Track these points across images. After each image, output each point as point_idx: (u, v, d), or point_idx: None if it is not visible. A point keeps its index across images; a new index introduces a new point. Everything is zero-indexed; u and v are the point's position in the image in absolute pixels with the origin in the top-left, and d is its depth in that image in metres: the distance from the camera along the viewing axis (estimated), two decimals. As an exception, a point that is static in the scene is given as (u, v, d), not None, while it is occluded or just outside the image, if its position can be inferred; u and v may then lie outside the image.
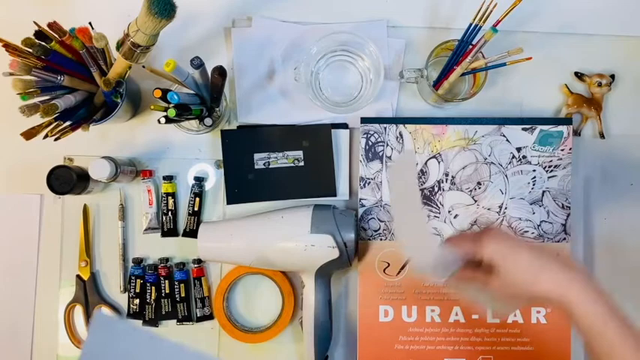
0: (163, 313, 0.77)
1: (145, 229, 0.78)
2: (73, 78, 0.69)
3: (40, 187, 0.73)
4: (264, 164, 0.77)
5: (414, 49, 0.79)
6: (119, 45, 0.66)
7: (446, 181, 0.75)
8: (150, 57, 0.68)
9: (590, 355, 0.53)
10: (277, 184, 0.77)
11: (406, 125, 0.76)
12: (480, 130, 0.75)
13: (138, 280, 0.76)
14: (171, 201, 0.77)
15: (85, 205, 0.78)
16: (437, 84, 0.74)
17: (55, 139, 0.66)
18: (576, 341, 0.74)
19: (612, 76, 0.78)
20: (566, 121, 0.76)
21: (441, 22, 0.79)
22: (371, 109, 0.76)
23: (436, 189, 0.75)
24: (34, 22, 0.65)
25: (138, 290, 0.76)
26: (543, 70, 0.78)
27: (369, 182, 0.76)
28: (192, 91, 0.69)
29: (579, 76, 0.78)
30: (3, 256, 0.78)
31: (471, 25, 0.70)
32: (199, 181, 0.78)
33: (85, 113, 0.71)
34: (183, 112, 0.65)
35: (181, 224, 0.78)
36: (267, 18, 0.79)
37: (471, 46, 0.70)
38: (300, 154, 0.77)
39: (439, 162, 0.76)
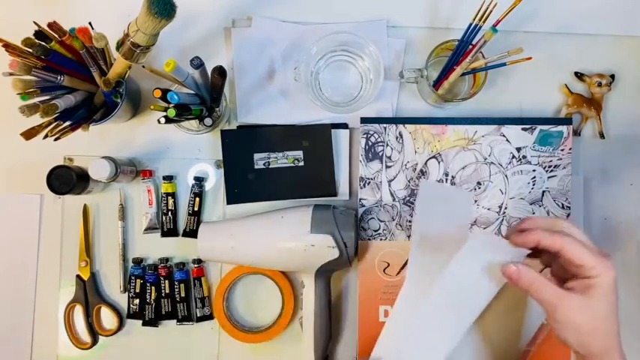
0: (163, 313, 0.77)
1: (145, 229, 0.78)
2: (73, 78, 0.69)
3: (40, 187, 0.73)
4: (264, 164, 0.77)
5: (414, 49, 0.79)
6: (119, 45, 0.66)
7: (446, 181, 0.75)
8: (150, 57, 0.68)
9: None
10: (277, 184, 0.77)
11: (406, 125, 0.76)
12: (480, 130, 0.75)
13: (138, 280, 0.76)
14: (171, 201, 0.77)
15: (85, 205, 0.78)
16: (437, 84, 0.74)
17: (55, 139, 0.66)
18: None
19: (612, 76, 0.78)
20: (566, 121, 0.76)
21: (441, 22, 0.79)
22: (371, 109, 0.76)
23: (436, 189, 0.75)
24: (34, 22, 0.64)
25: (138, 290, 0.76)
26: (543, 70, 0.78)
27: (369, 182, 0.76)
28: (192, 91, 0.69)
29: (579, 76, 0.78)
30: (3, 256, 0.78)
31: (470, 25, 0.70)
32: (199, 181, 0.78)
33: (85, 113, 0.71)
34: (183, 112, 0.65)
35: (181, 224, 0.78)
36: (267, 18, 0.79)
37: (470, 46, 0.70)
38: (300, 154, 0.77)
39: (439, 162, 0.76)
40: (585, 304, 0.49)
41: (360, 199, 0.76)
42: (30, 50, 0.63)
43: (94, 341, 0.77)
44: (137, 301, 0.76)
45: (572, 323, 0.50)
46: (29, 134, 0.65)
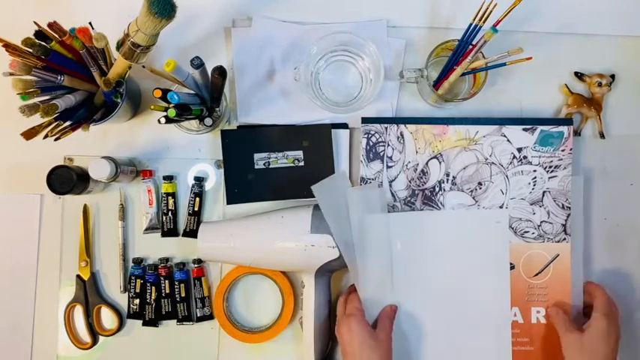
0: (163, 313, 0.77)
1: (145, 229, 0.78)
2: (73, 78, 0.69)
3: (40, 187, 0.73)
4: (264, 164, 0.77)
5: (414, 49, 0.79)
6: (119, 45, 0.66)
7: (447, 182, 0.75)
8: (150, 57, 0.68)
9: None
10: (277, 184, 0.77)
11: (407, 125, 0.76)
12: (481, 130, 0.75)
13: (138, 280, 0.76)
14: (171, 201, 0.77)
15: (85, 205, 0.78)
16: (437, 84, 0.74)
17: (55, 139, 0.66)
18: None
19: (612, 76, 0.78)
20: (567, 121, 0.76)
21: (441, 22, 0.79)
22: (371, 109, 0.76)
23: (437, 189, 0.75)
24: (34, 22, 0.65)
25: (138, 290, 0.76)
26: (543, 70, 0.78)
27: (370, 182, 0.76)
28: (192, 91, 0.69)
29: (579, 76, 0.78)
30: (3, 256, 0.78)
31: (470, 25, 0.69)
32: (199, 181, 0.78)
33: (85, 113, 0.71)
34: (183, 112, 0.65)
35: (181, 224, 0.78)
36: (267, 18, 0.79)
37: (471, 46, 0.70)
38: (300, 154, 0.77)
39: (440, 162, 0.76)
40: (578, 339, 0.68)
41: (360, 199, 0.76)
42: (30, 50, 0.63)
43: (94, 341, 0.77)
44: (137, 301, 0.76)
45: (564, 350, 0.70)
46: (29, 134, 0.65)
